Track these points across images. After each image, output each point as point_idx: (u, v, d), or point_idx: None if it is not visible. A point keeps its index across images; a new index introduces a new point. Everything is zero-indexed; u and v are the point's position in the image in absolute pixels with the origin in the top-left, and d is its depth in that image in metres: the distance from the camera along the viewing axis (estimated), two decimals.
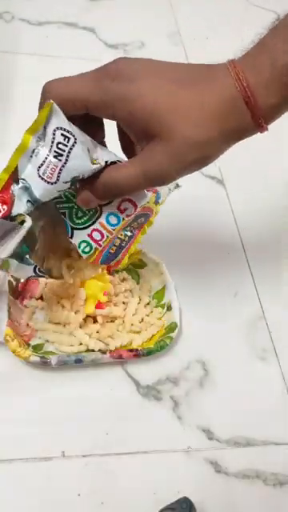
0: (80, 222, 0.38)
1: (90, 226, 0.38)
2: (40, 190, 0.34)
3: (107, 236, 0.38)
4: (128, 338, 0.48)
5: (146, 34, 0.79)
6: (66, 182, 0.34)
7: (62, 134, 0.32)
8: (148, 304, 0.51)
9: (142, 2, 0.86)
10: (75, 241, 0.38)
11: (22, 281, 0.50)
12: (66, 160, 0.33)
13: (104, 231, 0.38)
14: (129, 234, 0.40)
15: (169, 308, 0.50)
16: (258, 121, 0.33)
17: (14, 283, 0.49)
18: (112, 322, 0.49)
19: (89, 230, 0.38)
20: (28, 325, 0.48)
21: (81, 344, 0.47)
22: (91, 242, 0.38)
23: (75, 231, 0.38)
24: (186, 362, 0.49)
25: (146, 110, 0.32)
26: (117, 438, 0.44)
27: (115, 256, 0.41)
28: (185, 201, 0.59)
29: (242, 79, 0.32)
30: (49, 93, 0.33)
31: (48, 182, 0.34)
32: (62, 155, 0.33)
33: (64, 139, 0.33)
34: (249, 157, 0.68)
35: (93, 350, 0.46)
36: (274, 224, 0.63)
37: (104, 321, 0.48)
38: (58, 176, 0.33)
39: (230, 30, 0.84)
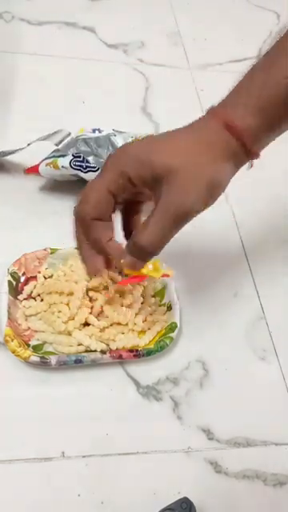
0: None
1: None
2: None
3: None
4: (133, 340, 0.47)
5: (146, 34, 0.79)
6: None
7: None
8: (153, 304, 0.51)
9: (142, 2, 0.86)
10: None
11: (22, 281, 0.50)
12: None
13: None
14: None
15: (169, 308, 0.50)
16: (242, 140, 0.38)
17: (14, 283, 0.49)
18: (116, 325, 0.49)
19: None
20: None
21: (80, 344, 0.46)
22: None
23: None
24: (185, 362, 0.49)
25: (153, 163, 0.38)
26: (117, 438, 0.44)
27: None
28: None
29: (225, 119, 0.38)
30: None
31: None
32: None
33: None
34: None
35: (93, 351, 0.46)
36: (275, 224, 0.63)
37: (107, 325, 0.48)
38: None
39: (230, 31, 0.84)
